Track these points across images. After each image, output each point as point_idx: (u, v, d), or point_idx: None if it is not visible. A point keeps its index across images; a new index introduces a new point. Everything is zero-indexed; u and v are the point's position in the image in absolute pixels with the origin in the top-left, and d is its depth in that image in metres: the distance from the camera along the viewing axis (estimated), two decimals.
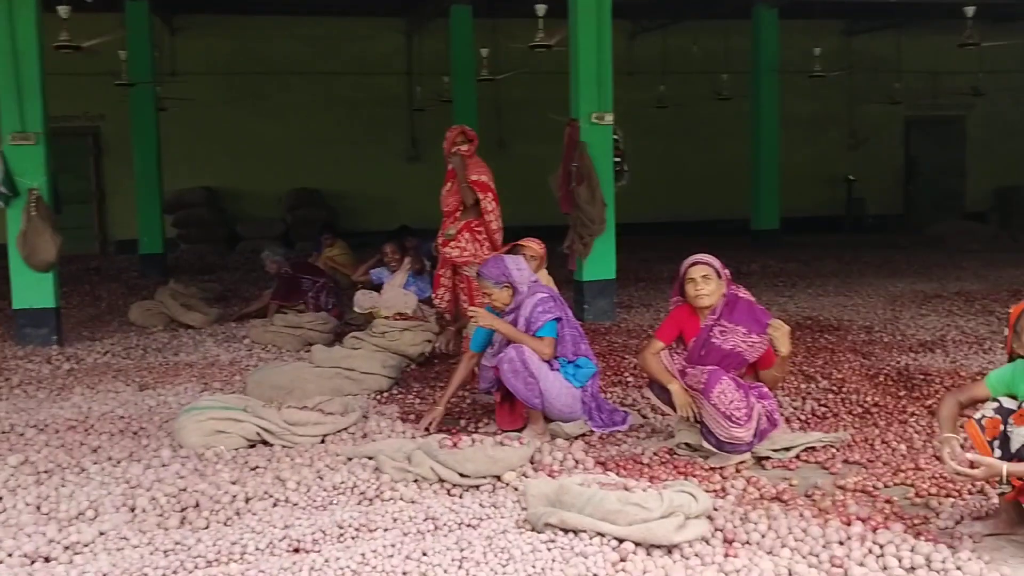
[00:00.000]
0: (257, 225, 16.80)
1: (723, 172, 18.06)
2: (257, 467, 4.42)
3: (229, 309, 9.45)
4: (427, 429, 4.92)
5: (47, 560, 3.42)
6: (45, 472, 4.35)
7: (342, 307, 8.79)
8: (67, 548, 3.49)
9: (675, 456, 4.55)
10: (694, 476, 4.22)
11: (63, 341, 7.94)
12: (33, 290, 7.85)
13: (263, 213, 16.99)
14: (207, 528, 3.71)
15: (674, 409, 4.53)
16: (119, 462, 4.53)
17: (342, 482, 4.07)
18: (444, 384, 6.11)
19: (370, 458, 4.34)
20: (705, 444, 4.41)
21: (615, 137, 8.73)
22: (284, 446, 4.74)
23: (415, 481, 4.07)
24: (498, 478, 4.09)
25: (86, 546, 3.52)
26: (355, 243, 11.66)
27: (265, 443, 4.80)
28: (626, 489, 3.57)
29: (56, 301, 7.97)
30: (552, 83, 15.60)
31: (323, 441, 4.85)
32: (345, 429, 4.96)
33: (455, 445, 4.20)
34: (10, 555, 3.42)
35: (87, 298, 10.74)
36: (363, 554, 3.30)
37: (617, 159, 8.75)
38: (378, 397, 5.94)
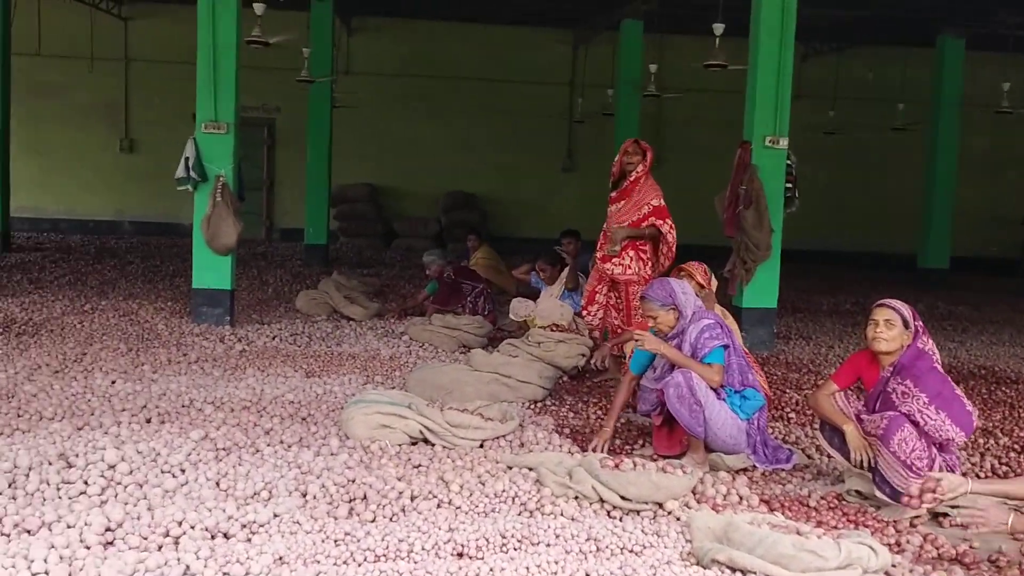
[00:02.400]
0: (413, 224, 17.25)
1: (890, 205, 17.33)
2: (420, 465, 4.51)
3: (387, 304, 9.70)
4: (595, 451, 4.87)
5: (226, 536, 3.58)
6: (223, 449, 4.56)
7: (497, 312, 8.90)
8: (244, 526, 3.65)
9: (844, 502, 4.36)
10: (865, 526, 4.03)
11: (235, 322, 8.34)
12: (212, 271, 8.28)
13: (420, 212, 17.44)
14: (373, 521, 3.80)
15: (845, 454, 4.35)
16: (290, 446, 4.71)
17: (503, 490, 4.09)
18: (600, 400, 6.13)
19: (531, 469, 4.35)
20: (878, 493, 4.21)
21: (788, 162, 8.50)
22: (445, 447, 4.81)
23: (575, 498, 4.05)
24: (660, 505, 4.02)
25: (261, 526, 3.66)
26: (504, 249, 11.78)
27: (427, 442, 4.88)
28: (799, 534, 3.44)
29: (232, 283, 8.39)
30: (718, 103, 15.48)
31: (482, 446, 4.89)
32: (503, 436, 4.99)
33: (617, 466, 4.16)
34: (192, 527, 3.59)
35: (255, 282, 11.27)
36: (527, 567, 3.30)
37: (788, 184, 8.51)
38: (532, 406, 5.95)
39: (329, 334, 8.19)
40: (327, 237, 14.24)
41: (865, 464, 4.26)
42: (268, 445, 4.67)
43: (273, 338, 7.82)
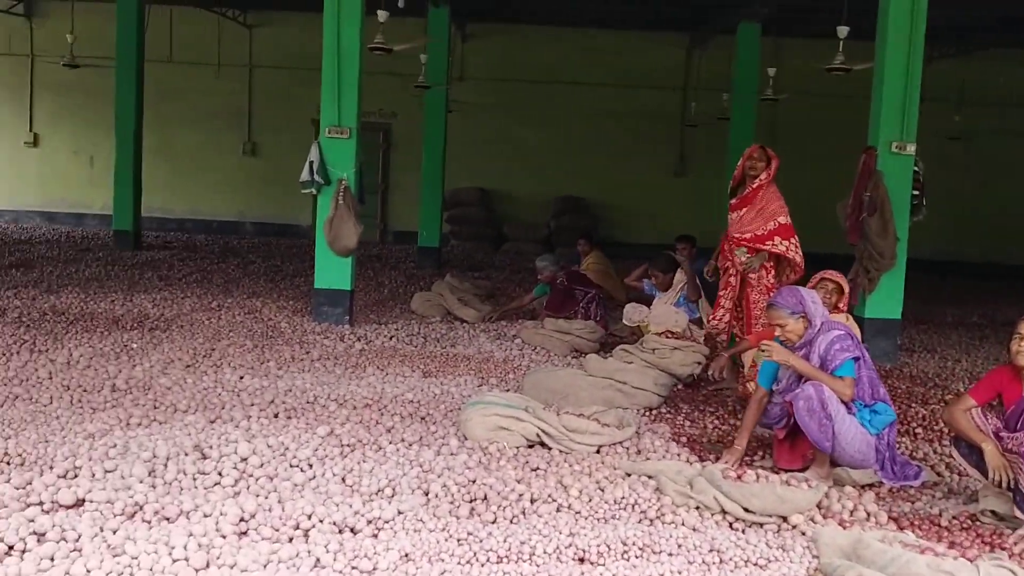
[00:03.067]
0: (523, 228, 17.35)
1: (1017, 214, 16.51)
2: (538, 468, 4.53)
3: (493, 306, 9.77)
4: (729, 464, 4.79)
5: (353, 531, 3.67)
6: (348, 446, 4.68)
7: (608, 318, 8.87)
8: (370, 522, 3.74)
9: (978, 523, 4.17)
10: (1002, 549, 3.85)
11: (354, 321, 8.56)
12: (333, 272, 8.52)
13: (529, 217, 17.53)
14: (494, 522, 3.83)
15: (982, 472, 4.17)
16: (411, 445, 4.80)
17: (623, 497, 4.08)
18: (716, 410, 6.04)
19: (650, 477, 4.32)
20: (1019, 514, 4.01)
21: (915, 168, 8.21)
22: (562, 451, 4.82)
23: (696, 508, 4.00)
24: (784, 519, 3.93)
25: (387, 522, 3.75)
26: (614, 254, 11.69)
27: (543, 445, 4.90)
28: (935, 554, 3.32)
29: (351, 284, 8.60)
30: (837, 107, 15.06)
31: (598, 451, 4.88)
32: (620, 443, 4.97)
33: (739, 478, 4.09)
34: (321, 521, 3.70)
35: (371, 283, 11.53)
36: None
37: (915, 192, 8.21)
38: (647, 414, 5.91)
39: (443, 335, 8.31)
40: (439, 240, 14.45)
41: (1004, 484, 4.08)
42: (390, 443, 4.78)
43: (390, 338, 7.99)
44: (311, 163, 8.47)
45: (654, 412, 5.98)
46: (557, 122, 17.48)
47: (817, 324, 4.76)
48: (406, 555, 3.42)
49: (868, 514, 4.15)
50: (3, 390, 5.41)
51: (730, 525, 3.94)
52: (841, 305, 5.86)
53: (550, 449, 4.87)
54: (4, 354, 6.36)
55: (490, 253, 16.66)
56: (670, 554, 3.55)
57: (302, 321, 8.52)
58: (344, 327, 8.32)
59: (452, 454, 4.64)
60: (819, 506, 4.10)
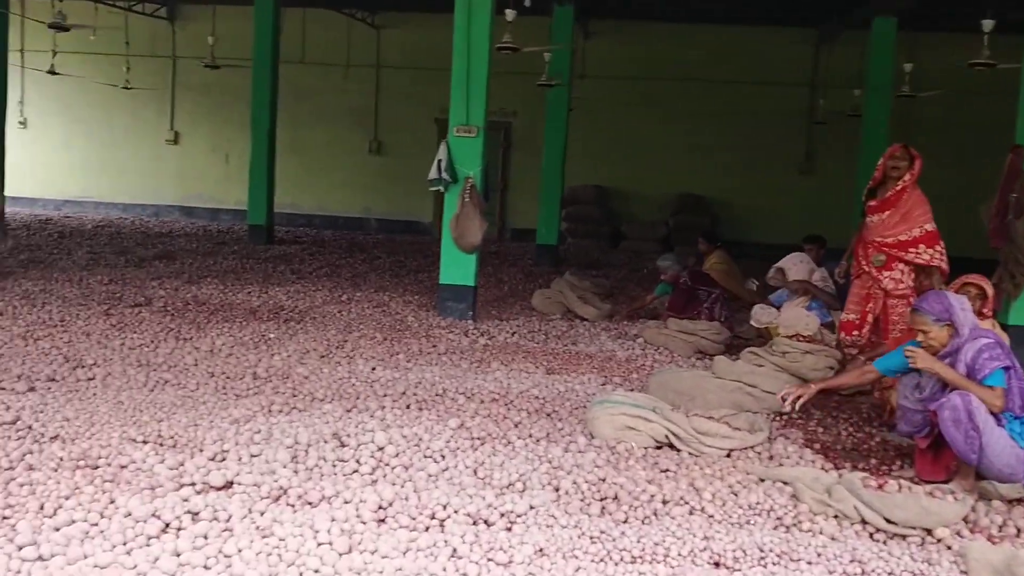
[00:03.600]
0: (640, 226, 17.21)
1: None
2: (668, 470, 4.50)
3: (617, 305, 9.74)
4: (793, 406, 4.87)
5: (487, 524, 3.73)
6: (478, 439, 4.76)
7: (733, 319, 8.72)
8: (503, 515, 3.79)
9: None
10: None
11: (477, 317, 8.68)
12: (458, 268, 8.66)
13: (647, 215, 17.38)
14: (626, 522, 3.83)
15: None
16: (539, 440, 4.84)
17: (758, 503, 4.01)
18: (850, 416, 5.87)
19: (785, 483, 4.23)
20: None
21: None
22: (691, 453, 4.78)
23: (835, 517, 3.90)
24: (928, 531, 3.79)
25: (519, 516, 3.79)
26: (735, 253, 11.45)
27: (671, 447, 4.87)
28: None
29: (475, 280, 8.72)
30: (978, 105, 14.37)
31: (729, 455, 4.81)
32: (751, 447, 4.88)
33: (881, 487, 3.96)
34: (456, 512, 3.77)
35: (491, 280, 11.65)
36: None
37: None
38: (778, 419, 5.78)
39: (564, 333, 8.33)
40: (558, 238, 14.48)
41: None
42: (519, 438, 4.83)
43: (512, 334, 8.06)
44: (439, 161, 8.63)
45: (784, 417, 5.85)
46: (678, 119, 17.27)
47: (965, 333, 4.57)
48: (540, 550, 3.45)
49: (1018, 530, 3.96)
50: (154, 375, 5.72)
51: (871, 536, 3.82)
52: (986, 311, 5.61)
53: (679, 451, 4.83)
54: (153, 341, 6.72)
55: (606, 252, 16.60)
56: (809, 563, 3.48)
57: (427, 316, 8.69)
58: (468, 322, 8.45)
59: (580, 451, 4.66)
60: (965, 520, 3.94)
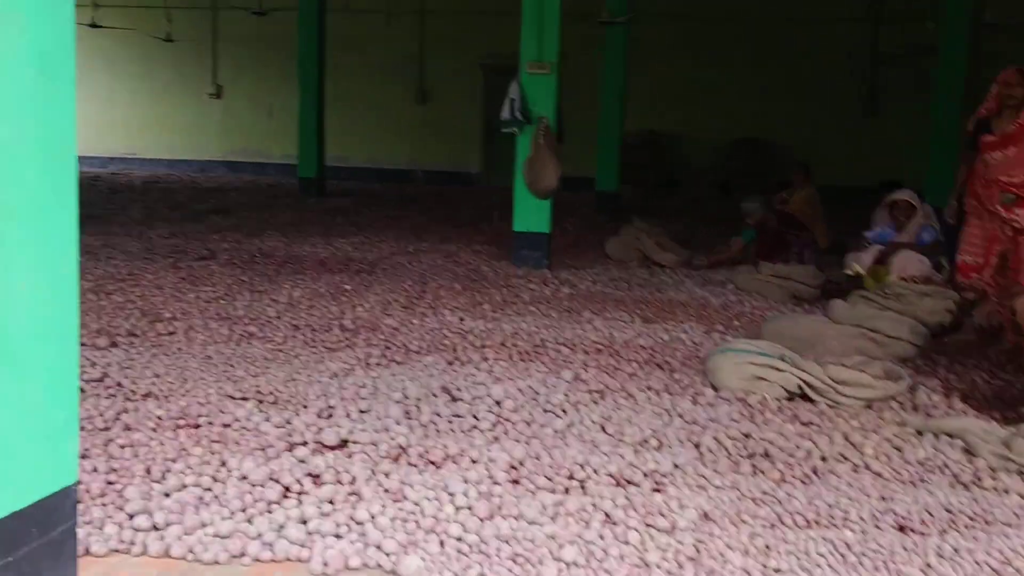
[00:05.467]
0: (697, 172, 16.65)
1: None
2: (811, 423, 4.10)
3: (698, 255, 9.27)
4: None
5: (633, 484, 3.37)
6: (596, 392, 4.38)
7: (822, 262, 8.27)
8: (646, 475, 3.42)
9: None
10: None
11: (552, 266, 8.28)
12: (532, 215, 8.26)
13: (703, 161, 16.81)
14: (785, 481, 3.45)
15: None
16: (659, 392, 4.46)
17: (927, 458, 3.61)
18: (979, 362, 5.43)
19: (951, 436, 3.82)
20: None
21: None
22: (829, 404, 4.37)
23: (1019, 473, 3.49)
24: None
25: (664, 476, 3.42)
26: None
27: (805, 397, 4.47)
28: None
29: (550, 227, 8.31)
30: None
31: (869, 407, 4.41)
32: (893, 397, 4.47)
33: None
34: (596, 472, 3.41)
35: (555, 228, 11.18)
36: (1000, 551, 2.82)
37: None
38: (906, 366, 5.34)
39: (647, 280, 7.92)
40: (618, 185, 13.99)
41: None
42: (639, 390, 4.45)
43: (594, 282, 7.67)
44: (511, 101, 8.18)
45: (910, 365, 5.41)
46: (733, 62, 16.57)
47: None
48: (705, 514, 3.08)
49: None
50: (237, 328, 5.40)
51: None
52: None
53: (814, 403, 4.43)
54: (228, 294, 6.41)
55: (662, 198, 16.09)
56: (1008, 524, 3.08)
57: (501, 265, 8.31)
58: (544, 271, 8.06)
59: (711, 404, 4.27)
60: None
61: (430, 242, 9.60)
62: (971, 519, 3.11)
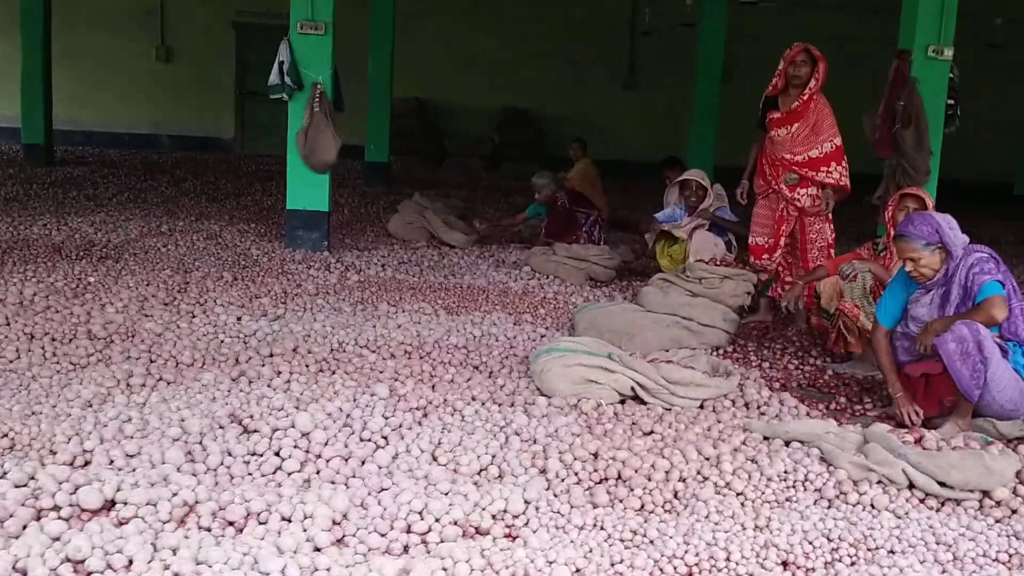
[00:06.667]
0: (466, 142, 16.29)
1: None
2: (652, 432, 3.74)
3: (481, 227, 8.85)
4: (912, 418, 4.05)
5: (482, 533, 2.82)
6: (417, 409, 3.78)
7: (612, 241, 8.10)
8: (495, 518, 2.90)
9: None
10: None
11: (331, 247, 7.54)
12: (308, 191, 7.43)
13: (471, 130, 16.45)
14: (651, 512, 3.05)
15: None
16: (485, 403, 3.94)
17: (787, 472, 3.33)
18: (785, 347, 5.38)
19: (802, 442, 3.59)
20: None
21: (951, 75, 7.57)
22: (664, 407, 4.05)
23: (879, 483, 3.29)
24: (985, 493, 3.26)
25: (516, 518, 2.92)
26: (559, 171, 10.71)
27: (637, 399, 4.12)
28: None
29: (329, 205, 7.55)
30: (823, 15, 14.15)
31: (702, 407, 4.13)
32: (725, 395, 4.22)
33: (918, 442, 3.40)
34: (437, 520, 2.83)
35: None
36: None
37: (951, 101, 7.60)
38: (718, 355, 5.18)
39: (438, 263, 7.39)
40: (389, 155, 13.30)
41: None
42: (464, 403, 3.90)
43: (382, 267, 7.02)
44: (280, 63, 7.28)
45: (721, 353, 5.26)
46: (499, 29, 16.25)
47: (958, 253, 4.08)
48: (577, 571, 2.60)
49: None
50: None
51: (921, 501, 3.25)
52: None
53: (646, 404, 4.10)
54: None
55: (432, 169, 15.60)
56: (891, 552, 2.84)
57: (273, 247, 7.46)
58: (324, 254, 7.31)
59: (545, 416, 3.80)
60: (1018, 475, 3.44)
61: (186, 220, 8.52)
62: (852, 546, 2.85)
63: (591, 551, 2.69)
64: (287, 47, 7.30)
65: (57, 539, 2.55)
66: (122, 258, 6.64)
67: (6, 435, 3.23)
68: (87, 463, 3.10)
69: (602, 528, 2.87)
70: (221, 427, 3.41)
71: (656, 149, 15.15)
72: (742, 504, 3.12)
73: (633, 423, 3.82)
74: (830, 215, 6.10)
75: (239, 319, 5.10)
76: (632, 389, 4.12)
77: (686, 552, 2.72)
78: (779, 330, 5.81)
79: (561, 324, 5.62)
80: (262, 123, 15.99)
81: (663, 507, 3.08)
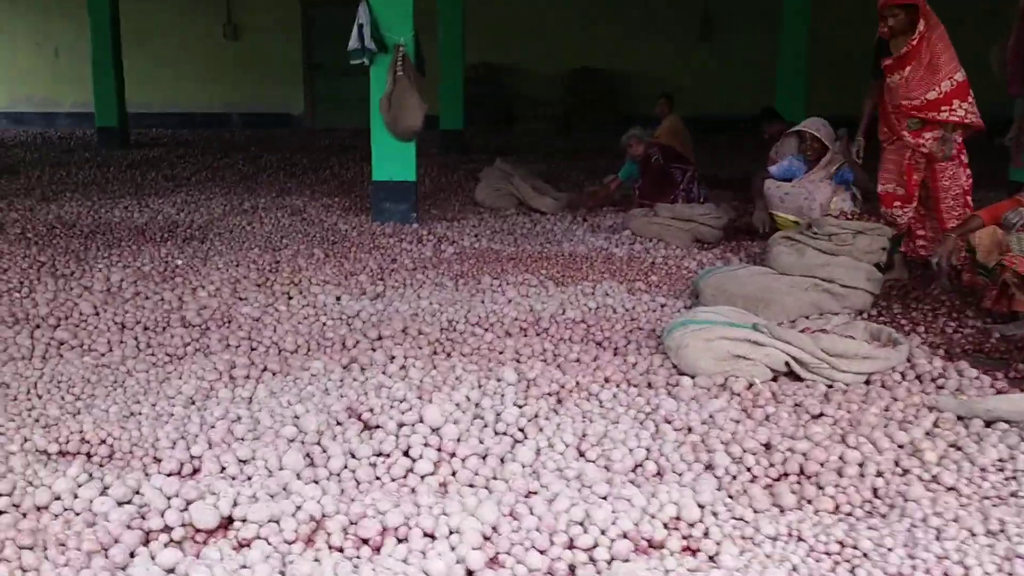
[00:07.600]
0: (536, 105, 15.78)
1: None
2: (821, 415, 3.25)
3: (572, 195, 8.36)
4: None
5: (656, 547, 2.40)
6: (551, 395, 3.35)
7: (713, 199, 7.55)
8: (671, 530, 2.46)
9: None
10: None
11: (420, 219, 7.15)
12: (394, 161, 7.05)
13: (542, 94, 15.91)
14: (849, 515, 2.58)
15: None
16: (619, 385, 3.50)
17: (1001, 460, 2.83)
18: (936, 307, 4.82)
19: (1008, 423, 3.06)
20: None
21: None
22: (825, 384, 3.56)
23: None
24: None
25: (692, 526, 2.48)
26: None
27: (792, 374, 3.64)
28: None
29: (416, 175, 7.15)
30: None
31: (867, 382, 3.63)
32: (894, 368, 3.71)
33: None
34: (603, 532, 2.41)
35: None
36: None
37: None
38: (863, 320, 4.64)
39: (531, 230, 6.95)
40: (464, 122, 12.86)
41: None
42: (597, 385, 3.46)
43: (476, 236, 6.61)
44: (360, 27, 6.86)
45: (866, 318, 4.72)
46: None
47: None
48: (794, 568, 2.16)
49: None
50: (42, 336, 3.99)
51: None
52: None
53: (803, 381, 3.61)
54: (24, 283, 4.89)
55: (503, 134, 15.12)
56: None
57: (361, 221, 7.10)
58: (414, 226, 6.93)
59: (693, 399, 3.35)
60: None
61: (267, 197, 8.22)
62: None
63: (795, 569, 2.24)
64: (366, 8, 6.87)
65: (171, 571, 2.19)
66: (207, 238, 6.35)
67: (104, 441, 2.89)
68: (195, 471, 2.76)
69: (800, 539, 2.41)
70: (339, 424, 3.04)
71: (736, 104, 14.52)
72: (961, 504, 2.61)
73: (796, 404, 3.34)
74: (964, 159, 5.48)
75: (338, 299, 4.73)
76: (786, 364, 3.63)
77: (913, 569, 2.24)
78: (921, 289, 5.24)
79: (679, 292, 5.14)
80: (332, 97, 15.71)
81: (862, 508, 2.61)
